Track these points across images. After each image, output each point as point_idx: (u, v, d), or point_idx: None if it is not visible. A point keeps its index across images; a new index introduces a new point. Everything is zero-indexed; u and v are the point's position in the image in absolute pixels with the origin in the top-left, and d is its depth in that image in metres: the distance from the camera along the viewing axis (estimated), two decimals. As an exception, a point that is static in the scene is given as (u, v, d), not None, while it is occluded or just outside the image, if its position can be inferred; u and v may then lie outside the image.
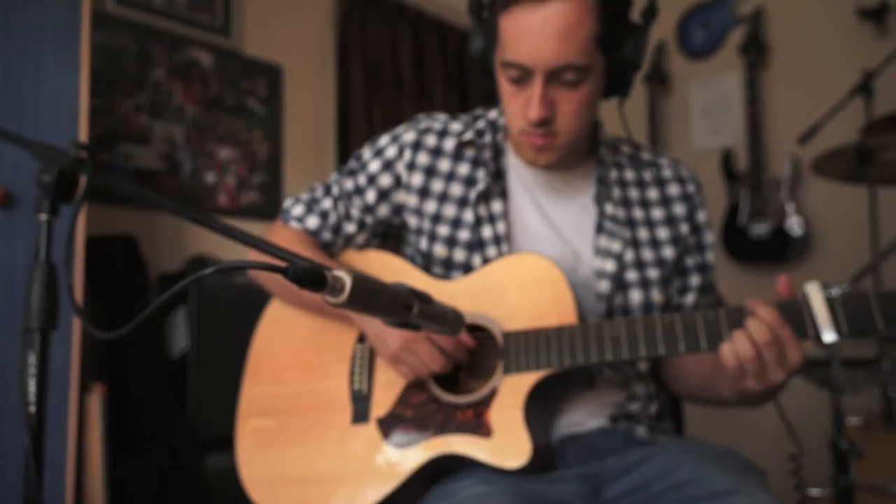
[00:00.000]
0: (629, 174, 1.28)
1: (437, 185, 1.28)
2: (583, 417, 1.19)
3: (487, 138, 1.28)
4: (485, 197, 1.25)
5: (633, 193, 1.27)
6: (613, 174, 1.26)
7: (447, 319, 0.93)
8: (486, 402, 1.11)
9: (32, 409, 0.82)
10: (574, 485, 1.08)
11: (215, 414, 2.06)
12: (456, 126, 1.31)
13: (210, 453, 2.11)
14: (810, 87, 3.28)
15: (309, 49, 3.17)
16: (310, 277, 0.75)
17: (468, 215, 1.25)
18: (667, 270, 1.24)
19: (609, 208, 1.23)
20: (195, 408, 2.14)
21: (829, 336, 0.95)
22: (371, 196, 1.31)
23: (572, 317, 1.11)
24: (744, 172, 3.38)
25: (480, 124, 1.30)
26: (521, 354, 1.10)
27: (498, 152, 1.28)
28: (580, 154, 1.26)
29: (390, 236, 1.39)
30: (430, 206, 1.27)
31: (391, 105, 3.33)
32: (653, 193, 1.28)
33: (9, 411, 1.66)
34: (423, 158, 1.28)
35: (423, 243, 1.28)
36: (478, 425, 1.10)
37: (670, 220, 1.26)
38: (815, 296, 0.96)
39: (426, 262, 1.28)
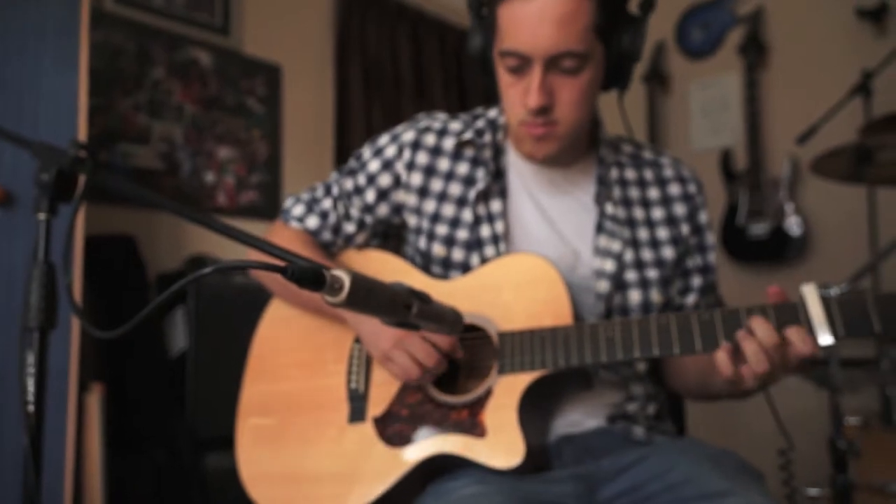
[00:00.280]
0: (630, 173, 1.28)
1: (436, 185, 1.28)
2: (580, 418, 1.19)
3: (487, 137, 1.28)
4: (484, 196, 1.25)
5: (634, 193, 1.27)
6: (614, 173, 1.26)
7: (446, 319, 0.93)
8: (481, 402, 1.11)
9: (31, 408, 0.82)
10: (569, 485, 1.08)
11: (214, 413, 2.05)
12: (455, 125, 1.31)
13: (209, 453, 2.11)
14: (809, 87, 3.28)
15: (308, 48, 3.17)
16: (309, 277, 0.75)
17: (467, 214, 1.25)
18: (667, 271, 1.24)
19: (609, 208, 1.22)
20: (194, 407, 2.14)
21: (825, 339, 0.94)
22: (370, 196, 1.31)
23: (567, 317, 1.11)
24: (743, 172, 3.38)
25: (480, 123, 1.30)
26: (517, 355, 1.10)
27: (498, 151, 1.28)
28: (580, 152, 1.26)
29: (391, 236, 1.39)
30: (429, 206, 1.27)
31: (390, 104, 3.33)
32: (653, 193, 1.28)
33: (8, 411, 1.66)
34: (422, 158, 1.28)
35: (422, 242, 1.28)
36: (472, 425, 1.10)
37: (671, 220, 1.26)
38: (812, 298, 0.96)
39: (425, 262, 1.28)
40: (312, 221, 1.35)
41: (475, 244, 1.23)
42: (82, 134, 1.85)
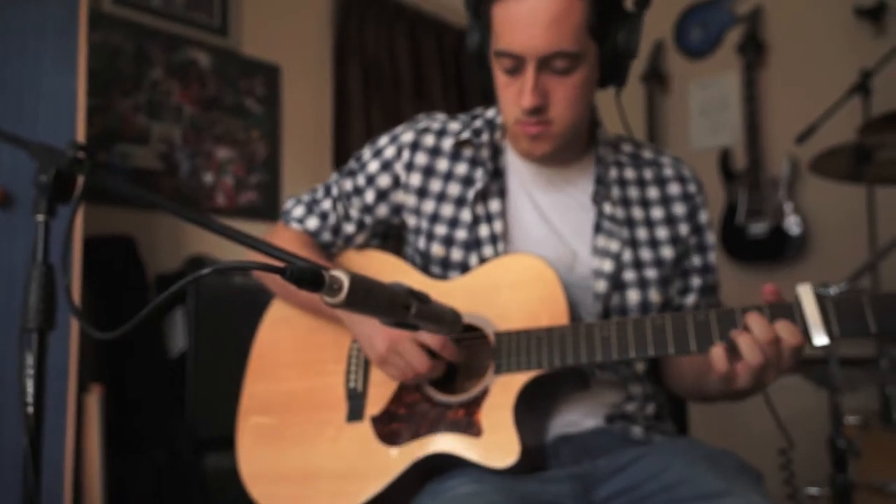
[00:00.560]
0: (629, 173, 1.28)
1: (435, 185, 1.28)
2: (578, 418, 1.19)
3: (485, 137, 1.28)
4: (482, 196, 1.25)
5: (633, 192, 1.26)
6: (613, 173, 1.26)
7: (445, 319, 0.93)
8: (478, 401, 1.11)
9: (30, 409, 0.82)
10: (565, 485, 1.08)
11: (214, 413, 2.06)
12: (454, 126, 1.31)
13: (208, 453, 2.11)
14: (808, 86, 3.28)
15: (307, 49, 3.17)
16: (307, 277, 0.75)
17: (465, 215, 1.25)
18: (665, 271, 1.23)
19: (607, 208, 1.22)
20: (194, 407, 2.14)
21: (820, 339, 0.94)
22: (370, 196, 1.31)
23: (564, 317, 1.11)
24: (742, 172, 3.38)
25: (478, 123, 1.30)
26: (513, 355, 1.10)
27: (496, 151, 1.28)
28: (578, 151, 1.26)
29: (390, 236, 1.39)
30: (428, 206, 1.28)
31: (389, 104, 3.33)
32: (653, 192, 1.27)
33: (7, 412, 1.66)
34: (421, 158, 1.29)
35: (421, 243, 1.28)
36: (468, 425, 1.10)
37: (670, 220, 1.26)
38: (807, 298, 0.96)
39: (424, 262, 1.28)
40: (312, 222, 1.35)
41: (474, 244, 1.23)
42: (81, 134, 1.85)
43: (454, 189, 1.27)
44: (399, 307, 0.85)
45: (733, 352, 0.96)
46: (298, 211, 1.37)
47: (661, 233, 1.25)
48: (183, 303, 2.19)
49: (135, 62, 2.60)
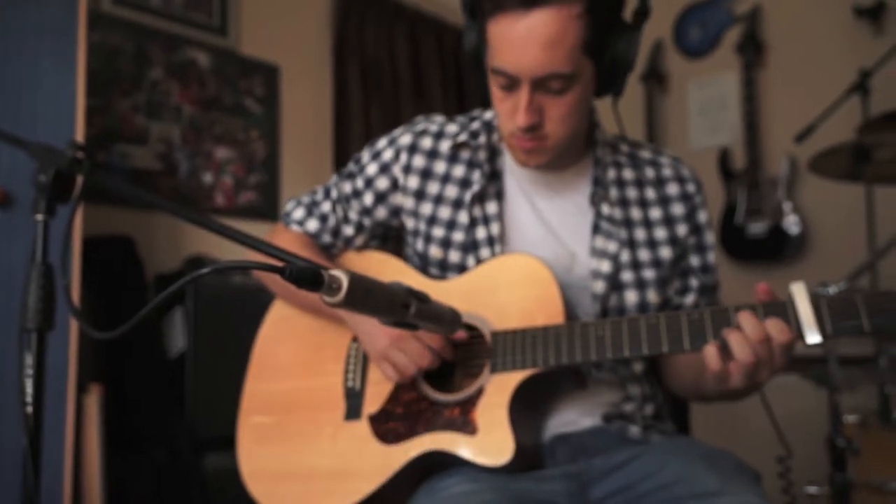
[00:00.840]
0: (628, 173, 1.28)
1: (433, 188, 1.28)
2: (576, 417, 1.19)
3: (482, 139, 1.28)
4: (479, 198, 1.25)
5: (632, 193, 1.26)
6: (611, 174, 1.26)
7: (444, 318, 0.93)
8: (473, 400, 1.12)
9: (30, 409, 0.82)
10: (560, 483, 1.08)
11: (213, 413, 2.06)
12: (452, 128, 1.31)
13: (208, 453, 2.11)
14: (807, 85, 3.28)
15: (306, 48, 3.17)
16: (307, 277, 0.75)
17: (463, 217, 1.25)
18: (664, 271, 1.23)
19: (605, 209, 1.22)
20: (193, 407, 2.14)
21: (812, 338, 0.94)
22: (368, 199, 1.31)
23: (559, 316, 1.11)
24: (741, 171, 3.39)
25: (475, 125, 1.30)
26: (508, 354, 1.11)
27: (493, 153, 1.28)
28: (576, 154, 1.26)
29: (390, 238, 1.40)
30: (426, 209, 1.28)
31: (389, 104, 3.33)
32: (651, 193, 1.27)
33: (7, 412, 1.66)
34: (419, 161, 1.29)
35: (420, 245, 1.28)
36: (464, 423, 1.10)
37: (668, 220, 1.26)
38: (801, 296, 0.96)
39: (423, 263, 1.29)
40: (312, 224, 1.35)
41: (471, 246, 1.23)
42: (80, 134, 1.85)
43: (451, 191, 1.27)
44: (398, 306, 0.85)
45: (726, 350, 0.96)
46: (298, 213, 1.37)
47: (660, 233, 1.25)
48: (182, 303, 2.19)
49: (134, 62, 2.60)
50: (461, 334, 1.14)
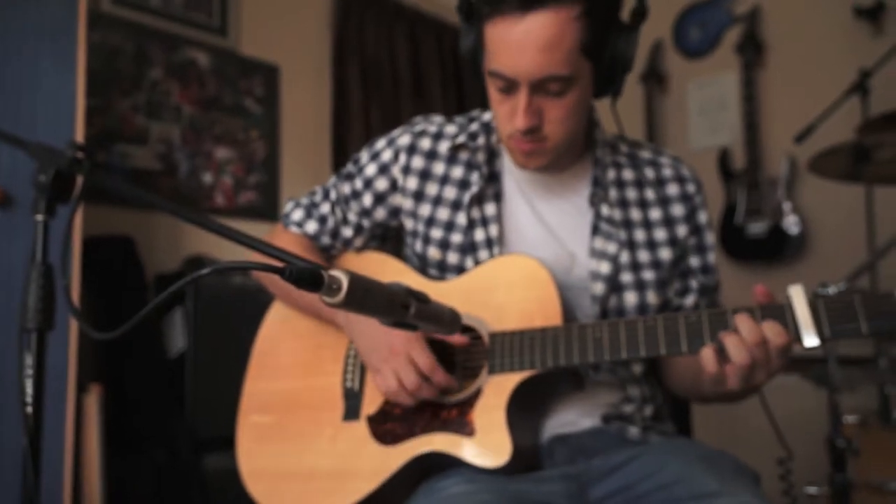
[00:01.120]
0: (627, 174, 1.27)
1: (432, 189, 1.28)
2: (575, 418, 1.19)
3: (481, 140, 1.27)
4: (478, 200, 1.24)
5: (631, 194, 1.26)
6: (611, 174, 1.25)
7: (444, 319, 0.93)
8: (471, 401, 1.12)
9: (30, 409, 0.82)
10: (559, 484, 1.08)
11: (213, 413, 2.06)
12: (451, 129, 1.31)
13: (208, 453, 2.11)
14: (807, 85, 3.28)
15: (306, 48, 3.17)
16: (307, 277, 0.75)
17: (461, 218, 1.24)
18: (663, 272, 1.23)
19: (605, 209, 1.22)
20: (193, 407, 2.14)
21: (810, 340, 0.94)
22: (368, 200, 1.31)
23: (557, 317, 1.11)
24: (741, 171, 3.39)
25: (474, 127, 1.30)
26: (506, 355, 1.11)
27: (492, 154, 1.28)
28: (575, 154, 1.26)
29: (389, 238, 1.39)
30: (425, 210, 1.28)
31: (388, 104, 3.33)
32: (651, 193, 1.26)
33: (7, 412, 1.66)
34: (417, 162, 1.29)
35: (418, 246, 1.28)
36: (461, 424, 1.10)
37: (668, 221, 1.25)
38: (798, 299, 0.95)
39: (422, 264, 1.29)
40: (311, 226, 1.35)
41: (469, 248, 1.23)
42: (80, 134, 1.85)
43: (450, 192, 1.27)
44: (398, 307, 0.85)
45: (723, 353, 0.96)
46: (297, 214, 1.37)
47: (660, 234, 1.24)
48: (182, 303, 2.19)
49: (134, 62, 2.60)
50: (463, 340, 1.14)
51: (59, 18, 1.84)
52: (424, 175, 1.28)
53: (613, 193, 1.24)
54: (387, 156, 1.30)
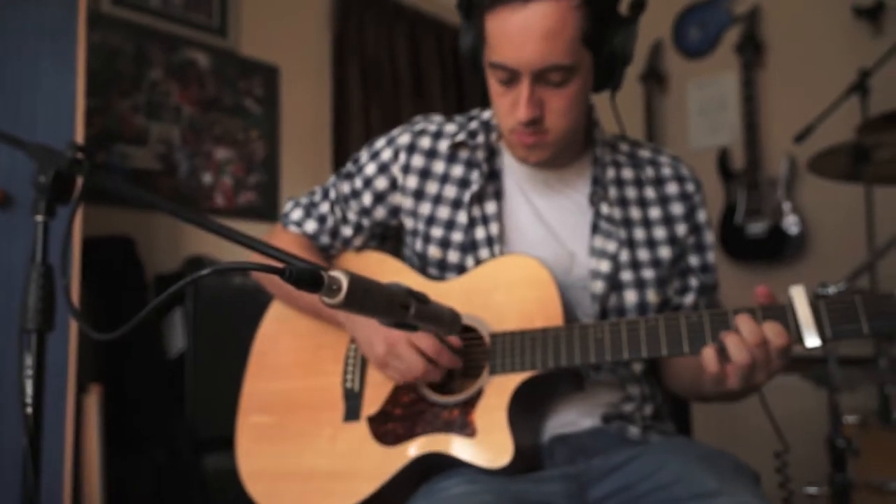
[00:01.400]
0: (627, 173, 1.28)
1: (432, 188, 1.28)
2: (575, 418, 1.19)
3: (480, 139, 1.28)
4: (478, 198, 1.24)
5: (631, 193, 1.26)
6: (610, 173, 1.26)
7: (444, 319, 0.93)
8: (472, 402, 1.11)
9: (29, 409, 0.82)
10: (559, 484, 1.08)
11: (213, 413, 2.06)
12: (451, 127, 1.31)
13: (208, 453, 2.11)
14: (807, 85, 3.28)
15: (306, 49, 3.17)
16: (306, 278, 0.75)
17: (462, 217, 1.25)
18: (663, 271, 1.23)
19: (604, 208, 1.22)
20: (193, 407, 2.14)
21: (812, 341, 0.94)
22: (367, 199, 1.31)
23: (558, 318, 1.11)
24: (740, 171, 3.39)
25: (473, 125, 1.30)
26: (507, 355, 1.11)
27: (492, 153, 1.28)
28: (575, 152, 1.26)
29: (388, 237, 1.40)
30: (425, 209, 1.28)
31: (388, 104, 3.34)
32: (650, 192, 1.27)
33: (7, 412, 1.66)
34: (417, 161, 1.29)
35: (419, 245, 1.28)
36: (463, 425, 1.10)
37: (668, 220, 1.26)
38: (800, 299, 0.96)
39: (422, 264, 1.28)
40: (310, 225, 1.35)
41: (470, 246, 1.23)
42: (80, 135, 1.85)
43: (450, 191, 1.27)
44: (398, 307, 0.85)
45: (724, 353, 0.96)
46: (296, 214, 1.37)
47: (659, 233, 1.25)
48: (182, 303, 2.19)
49: (134, 63, 2.60)
50: (458, 343, 1.14)
51: (58, 19, 1.84)
52: (424, 174, 1.28)
53: (613, 192, 1.24)
54: (386, 155, 1.30)
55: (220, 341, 2.12)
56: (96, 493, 1.92)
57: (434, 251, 1.26)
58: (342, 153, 3.12)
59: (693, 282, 1.27)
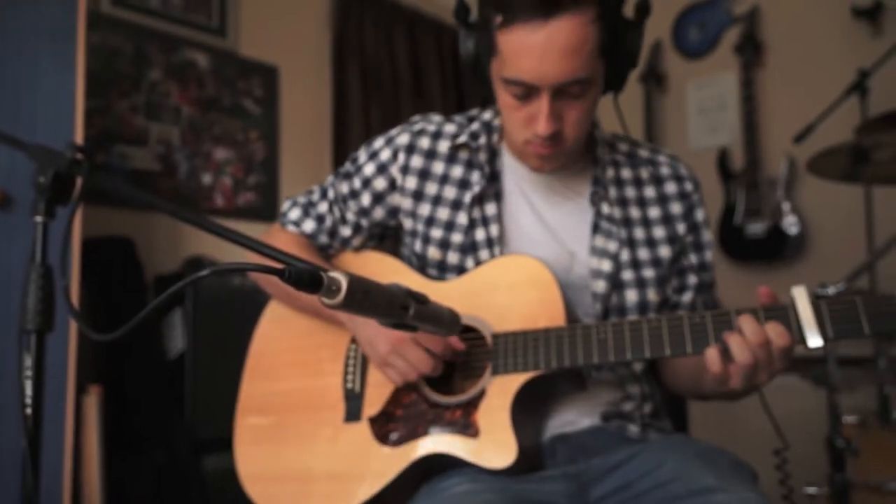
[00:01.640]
0: (626, 172, 1.28)
1: (431, 188, 1.28)
2: (575, 417, 1.19)
3: (482, 140, 1.27)
4: (478, 200, 1.24)
5: (630, 192, 1.26)
6: (610, 173, 1.26)
7: (443, 320, 0.93)
8: (475, 402, 1.11)
9: (29, 410, 0.82)
10: (560, 484, 1.08)
11: (213, 414, 2.06)
12: (450, 128, 1.31)
13: (208, 453, 2.11)
14: (806, 86, 3.28)
15: (305, 49, 3.17)
16: (306, 279, 0.75)
17: (462, 218, 1.25)
18: (663, 270, 1.24)
19: (605, 208, 1.22)
20: (193, 408, 2.14)
21: (814, 341, 0.95)
22: (366, 199, 1.31)
23: (561, 318, 1.11)
24: (740, 172, 3.39)
25: (475, 126, 1.30)
26: (510, 356, 1.11)
27: (493, 154, 1.28)
28: (577, 154, 1.26)
29: (387, 237, 1.39)
30: (424, 209, 1.27)
31: (388, 105, 3.34)
32: (649, 192, 1.27)
33: (6, 413, 1.66)
34: (417, 161, 1.28)
35: (418, 246, 1.28)
36: (466, 426, 1.10)
37: (667, 219, 1.26)
38: (802, 300, 0.96)
39: (421, 264, 1.28)
40: (309, 225, 1.35)
41: (470, 248, 1.23)
42: (79, 135, 1.85)
43: (450, 192, 1.27)
44: (397, 308, 0.85)
45: (727, 353, 0.97)
46: (294, 213, 1.36)
47: (659, 232, 1.25)
48: (181, 304, 2.19)
49: (133, 63, 2.60)
50: (458, 344, 1.14)
51: (58, 19, 1.84)
52: (423, 174, 1.28)
53: (613, 192, 1.24)
54: (385, 155, 1.30)
55: (220, 342, 2.12)
56: (96, 493, 1.92)
57: (434, 252, 1.26)
58: (342, 154, 3.12)
59: (691, 280, 1.27)
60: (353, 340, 1.26)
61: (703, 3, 3.71)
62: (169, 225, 2.57)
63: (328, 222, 1.34)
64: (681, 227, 1.26)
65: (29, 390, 0.83)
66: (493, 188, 1.26)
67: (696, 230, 1.28)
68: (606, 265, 1.20)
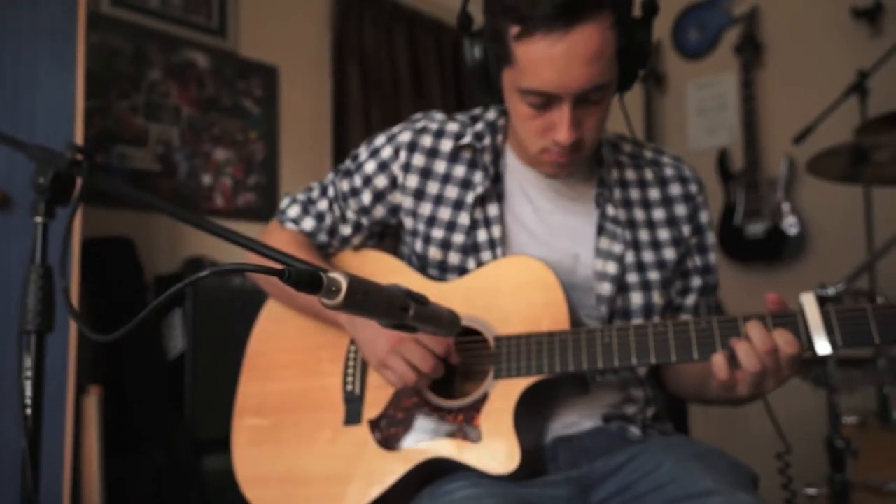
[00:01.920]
0: (630, 174, 1.27)
1: (433, 188, 1.27)
2: (577, 419, 1.19)
3: (487, 141, 1.26)
4: (481, 200, 1.23)
5: (634, 194, 1.25)
6: (614, 174, 1.25)
7: (443, 321, 0.93)
8: (477, 406, 1.10)
9: (29, 411, 0.82)
10: (563, 488, 1.08)
11: (212, 415, 2.06)
12: (453, 126, 1.29)
13: (207, 454, 2.11)
14: (806, 86, 3.28)
15: (305, 49, 3.17)
16: (306, 280, 0.75)
17: (464, 218, 1.24)
18: (668, 272, 1.23)
19: (610, 210, 1.22)
20: (192, 409, 2.14)
21: (823, 349, 0.94)
22: (367, 197, 1.30)
23: (565, 322, 1.11)
24: (739, 172, 3.39)
25: (479, 126, 1.28)
26: (513, 360, 1.09)
27: (497, 155, 1.27)
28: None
29: (387, 236, 1.38)
30: (426, 209, 1.26)
31: (388, 105, 3.34)
32: (654, 194, 1.26)
33: (6, 413, 1.66)
34: (418, 160, 1.27)
35: (419, 245, 1.27)
36: (468, 430, 1.09)
37: (671, 221, 1.25)
38: (810, 307, 0.96)
39: (422, 264, 1.27)
40: (308, 223, 1.34)
41: (472, 248, 1.22)
42: (79, 136, 1.85)
43: (452, 192, 1.26)
44: (397, 309, 0.85)
45: (733, 360, 0.96)
46: (294, 211, 1.35)
47: (663, 234, 1.24)
48: (181, 304, 2.19)
49: (133, 63, 2.60)
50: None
51: (58, 20, 1.84)
52: (425, 173, 1.27)
53: (617, 193, 1.23)
54: (387, 153, 1.29)
55: (220, 342, 2.12)
56: (95, 494, 1.92)
57: (435, 252, 1.25)
58: (342, 153, 3.12)
59: (695, 283, 1.27)
60: (353, 342, 1.25)
61: (702, 3, 3.71)
62: (169, 225, 2.57)
63: (328, 220, 1.33)
64: (685, 229, 1.25)
65: (29, 391, 0.83)
66: (495, 189, 1.25)
67: (701, 232, 1.27)
68: (611, 267, 1.19)
